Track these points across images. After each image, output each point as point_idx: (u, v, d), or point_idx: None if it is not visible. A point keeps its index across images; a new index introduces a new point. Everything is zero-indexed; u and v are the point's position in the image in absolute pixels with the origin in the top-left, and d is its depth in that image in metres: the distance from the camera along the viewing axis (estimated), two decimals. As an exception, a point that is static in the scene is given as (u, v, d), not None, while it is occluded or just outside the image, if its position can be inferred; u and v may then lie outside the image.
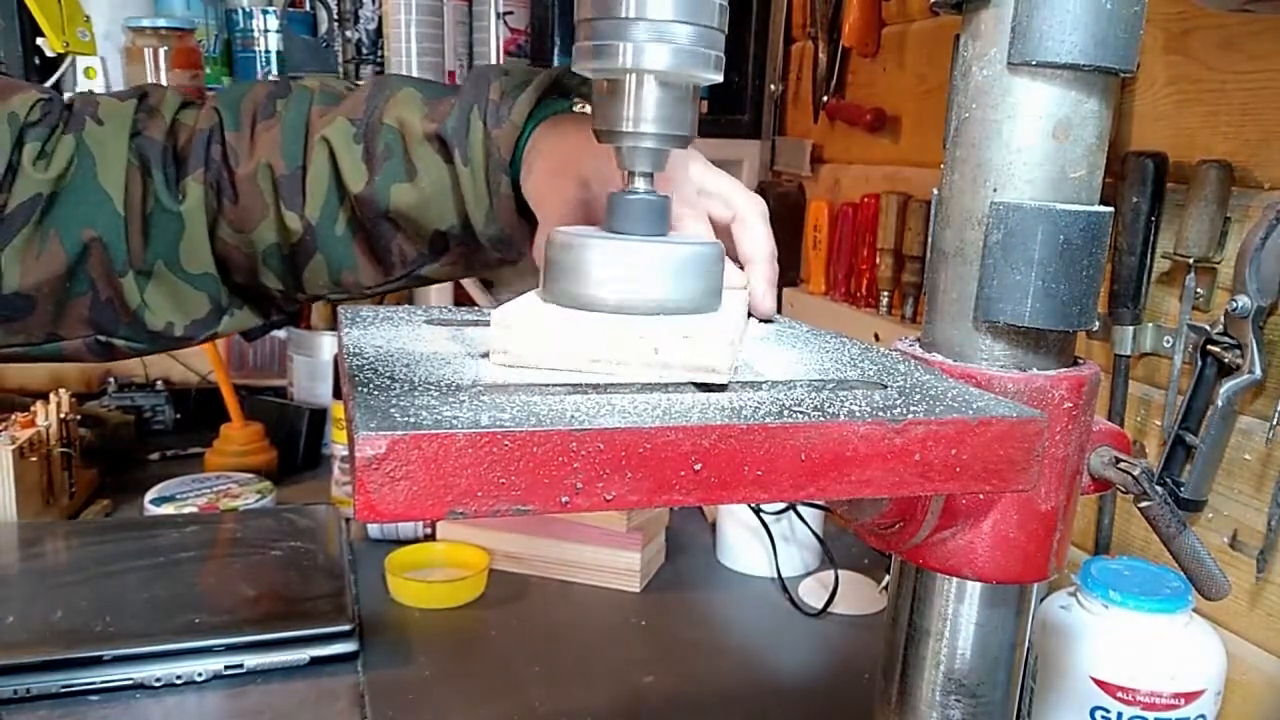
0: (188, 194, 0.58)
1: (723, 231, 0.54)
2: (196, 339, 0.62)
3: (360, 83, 0.62)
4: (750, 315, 0.54)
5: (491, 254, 0.60)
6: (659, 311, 0.41)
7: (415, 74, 1.40)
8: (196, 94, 0.67)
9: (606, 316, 0.41)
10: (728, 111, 1.53)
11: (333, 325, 1.41)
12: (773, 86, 1.49)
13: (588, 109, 0.59)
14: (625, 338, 0.39)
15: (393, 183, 0.57)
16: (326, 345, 1.42)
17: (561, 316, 0.41)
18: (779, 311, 0.56)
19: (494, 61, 1.45)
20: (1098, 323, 0.62)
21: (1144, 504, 0.45)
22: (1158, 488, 0.45)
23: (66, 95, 0.60)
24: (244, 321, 0.63)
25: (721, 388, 0.39)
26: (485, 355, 0.42)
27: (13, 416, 1.15)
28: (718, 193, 0.55)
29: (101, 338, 0.60)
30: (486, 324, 0.49)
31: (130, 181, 0.57)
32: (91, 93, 0.60)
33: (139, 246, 0.57)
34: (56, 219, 0.56)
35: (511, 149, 0.56)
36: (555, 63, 1.47)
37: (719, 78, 0.41)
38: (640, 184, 0.43)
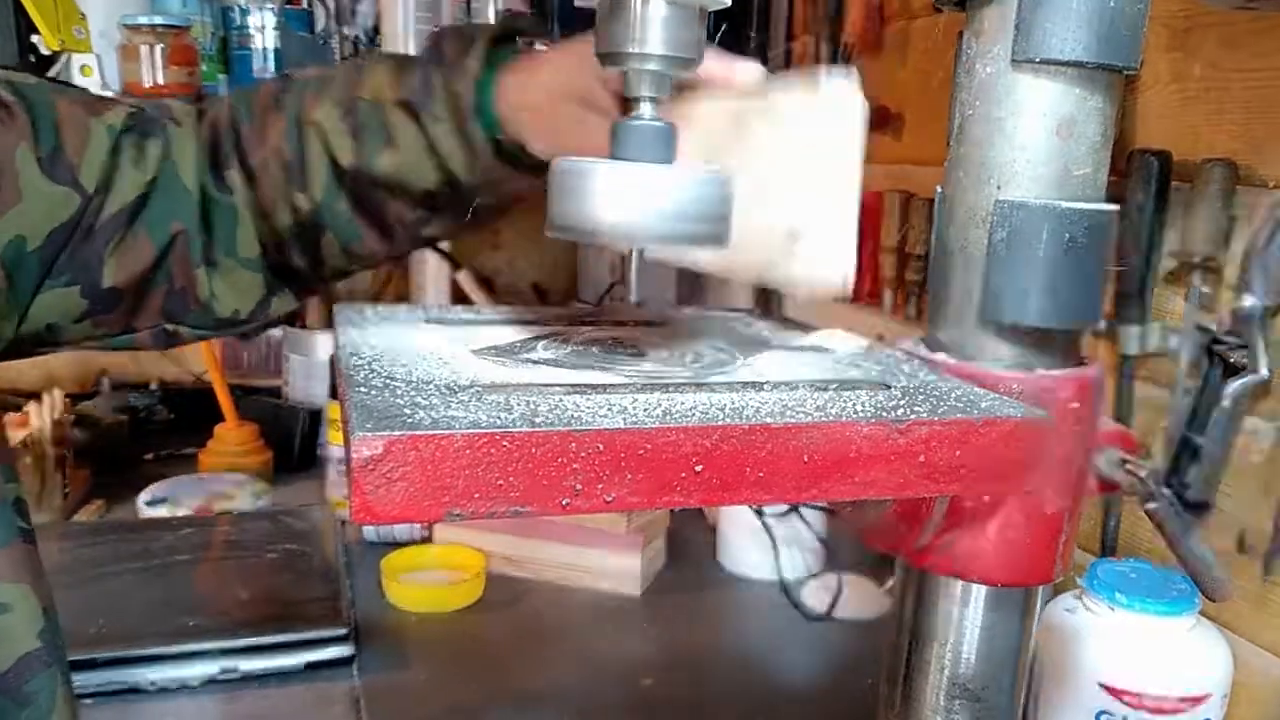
0: (233, 186, 0.63)
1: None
2: (255, 321, 0.67)
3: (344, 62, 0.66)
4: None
5: (483, 203, 0.63)
6: (668, 240, 0.39)
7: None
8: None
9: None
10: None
11: (329, 324, 1.40)
12: (773, 85, 1.49)
13: (539, 46, 0.62)
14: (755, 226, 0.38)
15: (375, 152, 0.61)
16: (322, 345, 1.41)
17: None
18: (779, 311, 0.56)
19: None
20: (1103, 321, 0.62)
21: (1150, 506, 0.45)
22: (1164, 489, 0.45)
23: (143, 106, 0.65)
24: (287, 302, 0.68)
25: (727, 382, 0.38)
26: (483, 354, 0.41)
27: (6, 417, 1.14)
28: None
29: (169, 326, 0.64)
30: (484, 322, 0.48)
31: (199, 177, 0.63)
32: (160, 102, 0.66)
33: (207, 239, 0.63)
34: (148, 216, 0.60)
35: (473, 97, 0.59)
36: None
37: (727, 1, 0.40)
38: (645, 109, 0.41)
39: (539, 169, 0.56)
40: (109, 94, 1.28)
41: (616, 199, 0.38)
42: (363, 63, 0.64)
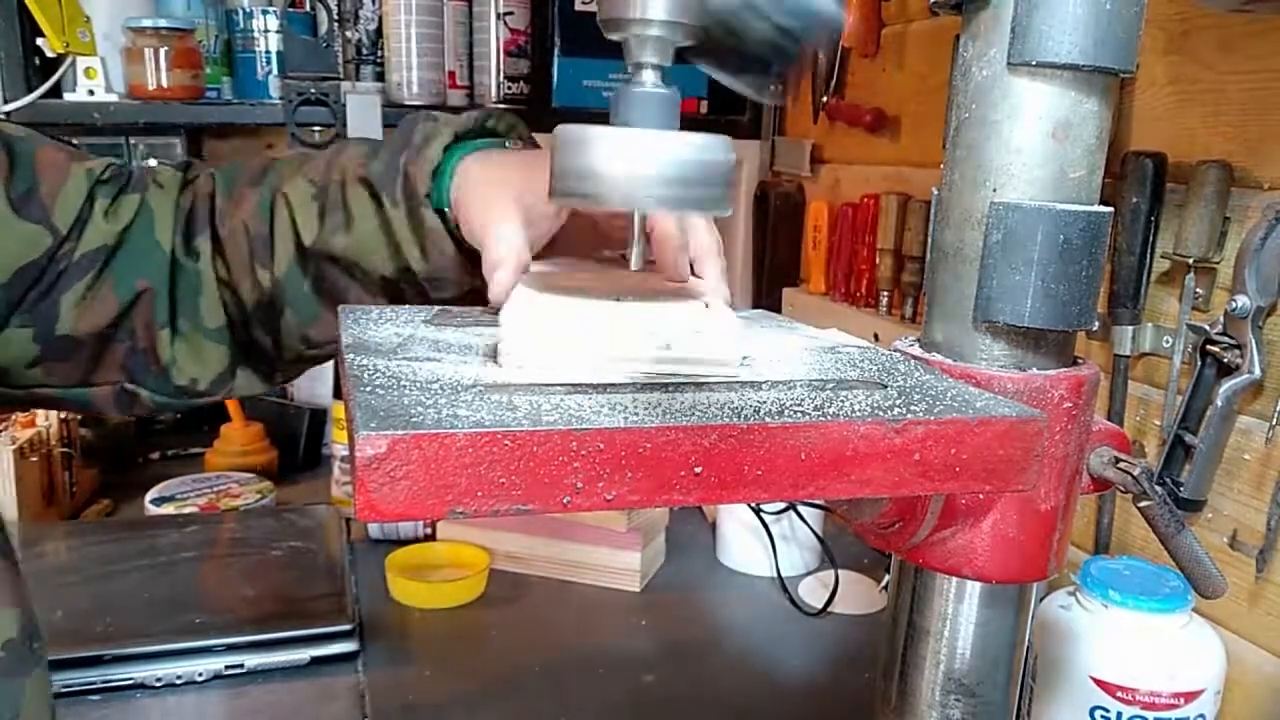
0: (200, 253, 0.62)
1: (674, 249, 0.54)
2: (215, 394, 0.65)
3: (316, 143, 0.65)
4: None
5: (440, 295, 0.61)
6: (670, 205, 0.39)
7: (416, 75, 1.40)
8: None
9: (616, 310, 0.40)
10: (728, 111, 1.53)
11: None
12: (773, 86, 1.49)
13: (518, 146, 0.61)
14: (635, 333, 0.39)
15: (335, 231, 0.60)
16: (326, 345, 1.42)
17: (570, 313, 0.40)
18: (779, 311, 0.56)
19: (492, 63, 1.45)
20: (1097, 323, 0.62)
21: (1143, 504, 0.45)
22: (1157, 487, 0.45)
23: (130, 166, 0.65)
24: (252, 383, 0.66)
25: (744, 384, 0.38)
26: (486, 354, 0.42)
27: (13, 417, 1.15)
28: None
29: (129, 386, 0.63)
30: (487, 323, 0.49)
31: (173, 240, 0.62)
32: (148, 165, 0.67)
33: (172, 303, 0.62)
34: (115, 268, 0.59)
35: (428, 183, 0.57)
36: (555, 63, 1.47)
37: None
38: (648, 76, 0.41)
39: None
40: (112, 96, 1.29)
41: (620, 164, 0.38)
42: (344, 145, 0.63)
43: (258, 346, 0.65)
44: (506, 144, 0.61)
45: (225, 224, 0.62)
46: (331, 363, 1.42)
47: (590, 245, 0.59)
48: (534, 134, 0.65)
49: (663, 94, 0.40)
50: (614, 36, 0.41)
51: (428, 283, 0.60)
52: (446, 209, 0.58)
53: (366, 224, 0.59)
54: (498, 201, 0.54)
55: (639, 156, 0.38)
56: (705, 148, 0.39)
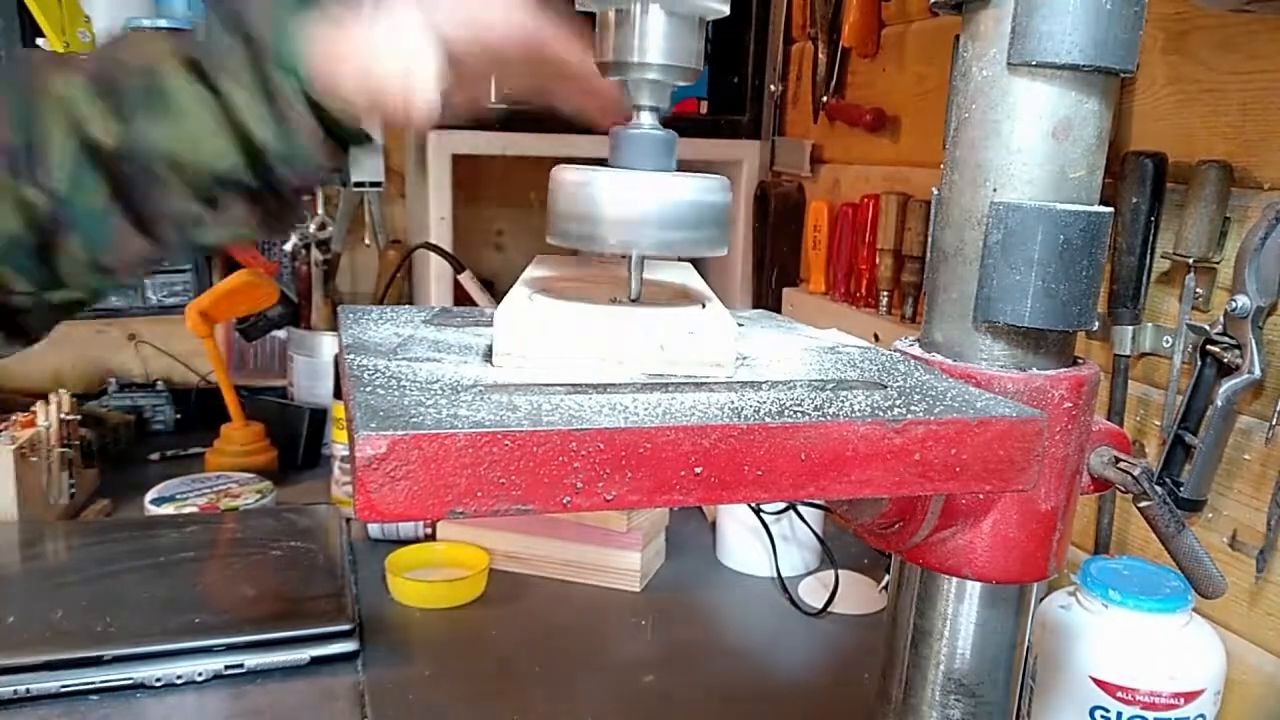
0: None
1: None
2: None
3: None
4: None
5: (288, 184, 0.52)
6: (668, 247, 0.40)
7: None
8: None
9: (612, 312, 0.40)
10: (728, 111, 1.53)
11: (333, 325, 1.41)
12: (773, 87, 1.49)
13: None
14: (631, 334, 0.39)
15: (150, 128, 0.49)
16: (327, 345, 1.42)
17: (565, 315, 0.40)
18: (779, 311, 0.56)
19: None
20: (1097, 323, 0.62)
21: (1143, 504, 0.45)
22: (1157, 487, 0.45)
23: None
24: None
25: (744, 384, 0.39)
26: (486, 354, 0.42)
27: (13, 417, 1.15)
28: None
29: None
30: (487, 323, 0.49)
31: None
32: None
33: None
34: None
35: (272, 40, 0.49)
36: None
37: (726, 10, 0.40)
38: (645, 118, 0.42)
39: (359, 137, 0.50)
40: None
41: (618, 207, 0.39)
42: (121, 36, 0.54)
43: (7, 305, 0.53)
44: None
45: None
46: (332, 363, 1.42)
47: (540, 77, 0.52)
48: (534, 134, 0.63)
49: (659, 136, 0.41)
50: (613, 79, 0.42)
51: (281, 165, 0.51)
52: (303, 75, 0.49)
53: (195, 109, 0.49)
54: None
55: (636, 199, 0.39)
56: (702, 190, 0.40)
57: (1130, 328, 0.81)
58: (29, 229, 0.50)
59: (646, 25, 0.40)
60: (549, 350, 0.39)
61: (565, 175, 0.40)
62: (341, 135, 0.51)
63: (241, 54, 0.49)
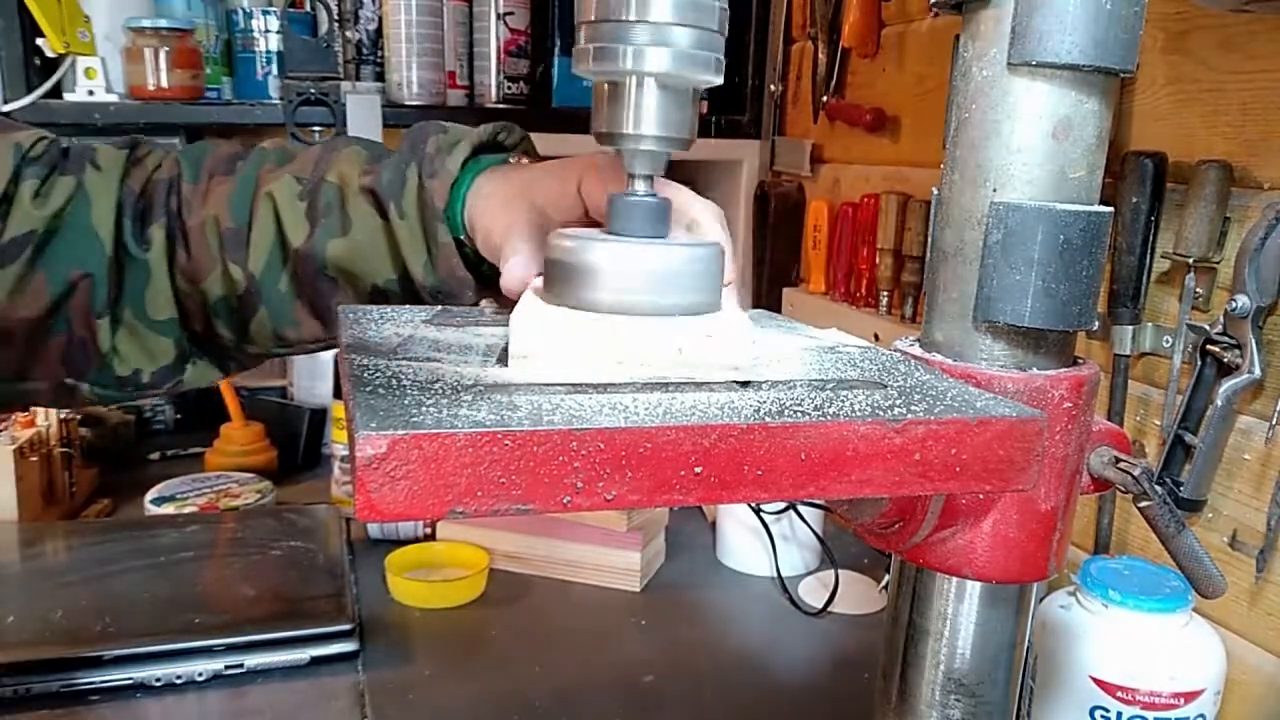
0: (152, 243, 0.59)
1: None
2: (162, 387, 0.63)
3: (314, 142, 0.64)
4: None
5: (433, 299, 0.60)
6: (663, 313, 0.41)
7: (416, 75, 1.40)
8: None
9: (629, 317, 0.41)
10: (728, 111, 1.53)
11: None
12: (773, 87, 1.49)
13: (525, 161, 0.60)
14: (649, 338, 0.39)
15: (329, 238, 0.58)
16: (327, 345, 1.42)
17: (584, 319, 0.41)
18: (779, 311, 0.56)
19: (492, 63, 1.45)
20: (1097, 322, 0.62)
21: (1143, 504, 0.45)
22: (1157, 487, 0.45)
23: (64, 141, 0.61)
24: (205, 374, 0.64)
25: (744, 384, 0.39)
26: (486, 354, 0.42)
27: (13, 417, 1.15)
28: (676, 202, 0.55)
29: (69, 380, 0.60)
30: (488, 323, 0.49)
31: (116, 227, 0.59)
32: (88, 143, 0.61)
33: (115, 292, 0.59)
34: (47, 257, 0.57)
35: (446, 197, 0.57)
36: (555, 63, 1.47)
37: (719, 80, 0.41)
38: (640, 186, 0.43)
39: (494, 275, 0.54)
40: (113, 97, 1.29)
41: (612, 274, 0.40)
42: (335, 144, 0.61)
43: (217, 341, 0.62)
44: (510, 158, 0.61)
45: (192, 214, 0.59)
46: (332, 362, 1.42)
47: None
48: (534, 133, 0.65)
49: (653, 203, 0.43)
50: (608, 148, 0.43)
51: (429, 294, 0.59)
52: (460, 222, 0.57)
53: (368, 232, 0.58)
54: (517, 218, 0.54)
55: (632, 268, 0.41)
56: (694, 258, 0.42)
57: (1130, 327, 0.81)
58: (229, 297, 0.60)
59: (641, 99, 0.41)
60: (565, 354, 0.40)
61: (563, 242, 0.42)
62: (482, 271, 0.58)
63: (414, 194, 0.57)
